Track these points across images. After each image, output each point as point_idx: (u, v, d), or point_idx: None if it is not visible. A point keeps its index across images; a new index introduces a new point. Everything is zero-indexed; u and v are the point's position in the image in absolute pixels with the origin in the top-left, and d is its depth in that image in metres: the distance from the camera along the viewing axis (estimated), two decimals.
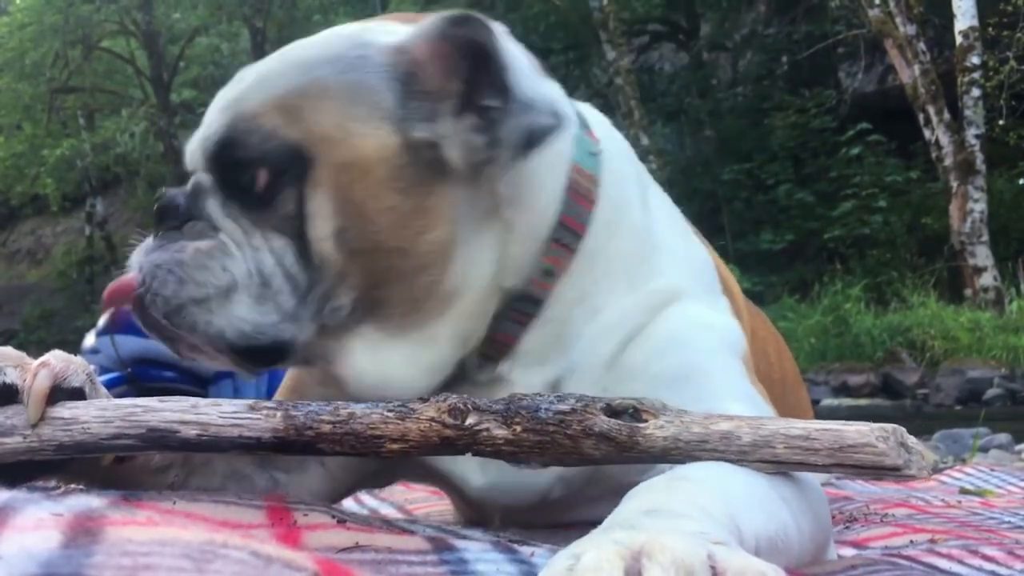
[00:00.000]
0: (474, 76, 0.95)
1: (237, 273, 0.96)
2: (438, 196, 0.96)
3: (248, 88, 0.99)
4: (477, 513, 1.25)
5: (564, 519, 1.16)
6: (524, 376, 1.06)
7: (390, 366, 1.00)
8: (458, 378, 1.05)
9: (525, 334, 1.05)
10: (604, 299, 1.07)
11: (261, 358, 1.00)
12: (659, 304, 1.08)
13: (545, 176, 1.03)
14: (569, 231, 1.05)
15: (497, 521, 1.18)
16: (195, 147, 1.02)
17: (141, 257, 0.99)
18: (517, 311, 1.04)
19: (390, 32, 1.01)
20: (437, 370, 1.02)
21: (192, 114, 18.64)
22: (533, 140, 0.93)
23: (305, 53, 1.01)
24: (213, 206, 0.99)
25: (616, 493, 0.80)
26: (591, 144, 1.10)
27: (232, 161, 0.97)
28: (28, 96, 19.76)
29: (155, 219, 1.02)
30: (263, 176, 0.95)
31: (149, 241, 1.02)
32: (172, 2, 20.15)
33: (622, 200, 1.10)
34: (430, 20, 0.98)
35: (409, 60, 0.97)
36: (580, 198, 1.06)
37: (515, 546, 0.78)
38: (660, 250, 1.12)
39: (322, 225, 0.94)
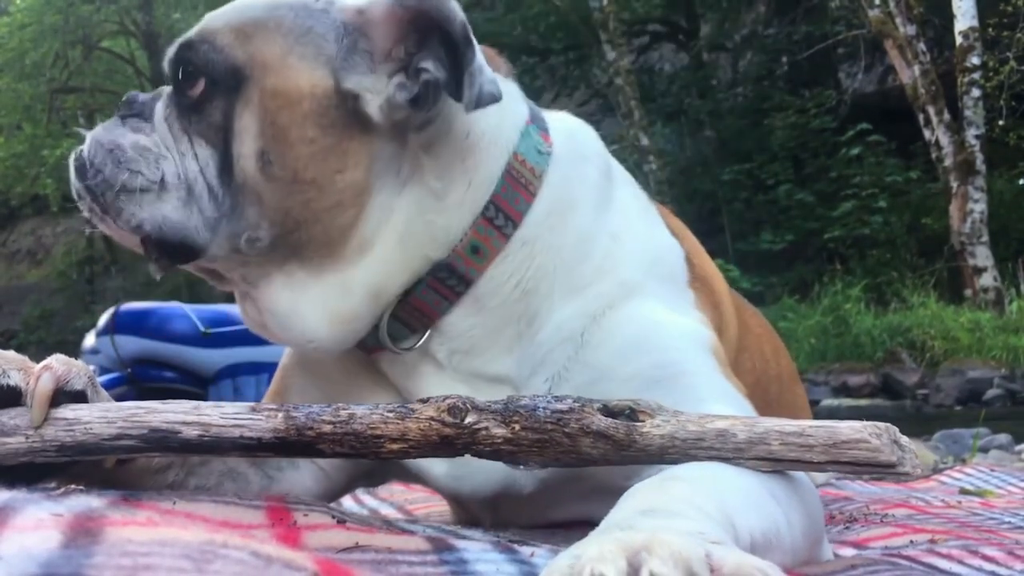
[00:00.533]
0: (423, 44, 1.02)
1: (168, 173, 1.04)
2: (358, 143, 1.03)
3: (224, 10, 1.08)
4: (463, 510, 1.26)
5: (552, 517, 1.16)
6: (454, 360, 1.08)
7: (303, 302, 1.05)
8: (378, 343, 1.08)
9: (452, 311, 1.07)
10: (555, 299, 1.08)
11: (171, 253, 1.06)
12: (606, 304, 1.08)
13: (483, 154, 1.07)
14: (503, 213, 1.07)
15: (488, 522, 1.18)
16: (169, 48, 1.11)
17: (91, 133, 1.10)
18: (439, 281, 1.06)
19: None
20: (348, 320, 1.06)
21: None
22: (480, 100, 0.98)
23: None
24: (159, 109, 1.08)
25: (602, 491, 0.80)
26: (542, 144, 1.13)
27: (182, 63, 1.07)
28: (28, 96, 19.72)
29: (118, 108, 1.12)
30: (201, 84, 1.05)
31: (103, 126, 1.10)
32: (172, 2, 20.13)
33: (569, 200, 1.12)
34: None
35: (365, 21, 1.04)
36: (519, 186, 1.08)
37: (515, 546, 0.78)
38: (616, 246, 1.12)
39: (247, 142, 1.01)
